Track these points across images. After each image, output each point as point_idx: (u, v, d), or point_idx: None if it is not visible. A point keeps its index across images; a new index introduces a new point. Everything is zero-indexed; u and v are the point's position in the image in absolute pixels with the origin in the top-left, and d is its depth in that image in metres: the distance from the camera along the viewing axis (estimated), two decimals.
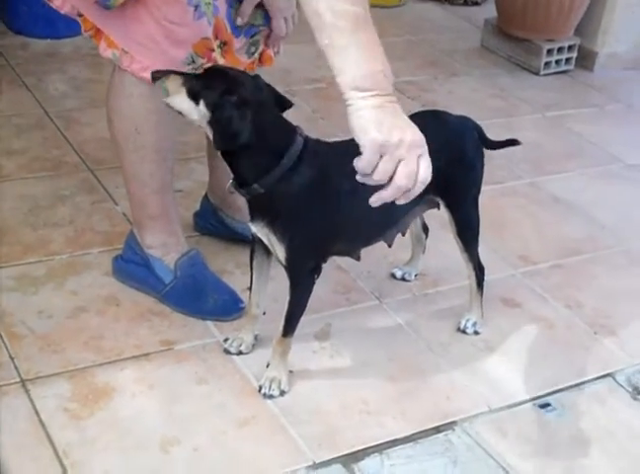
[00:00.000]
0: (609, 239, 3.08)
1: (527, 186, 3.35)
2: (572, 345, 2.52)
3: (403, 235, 2.46)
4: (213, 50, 2.17)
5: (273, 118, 2.02)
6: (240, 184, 2.06)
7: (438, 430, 2.17)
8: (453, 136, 2.30)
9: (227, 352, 2.32)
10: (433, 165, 1.96)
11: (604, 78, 4.54)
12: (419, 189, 1.74)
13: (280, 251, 2.09)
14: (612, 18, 4.53)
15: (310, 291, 2.17)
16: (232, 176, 2.08)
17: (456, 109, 3.73)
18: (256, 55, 2.35)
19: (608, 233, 3.11)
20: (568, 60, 4.54)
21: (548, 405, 2.29)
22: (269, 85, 2.06)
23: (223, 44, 2.21)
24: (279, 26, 2.32)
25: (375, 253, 2.60)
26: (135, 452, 2.00)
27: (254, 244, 2.22)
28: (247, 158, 2.00)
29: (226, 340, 2.34)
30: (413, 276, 2.68)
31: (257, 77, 2.07)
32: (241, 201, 2.63)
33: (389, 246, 2.40)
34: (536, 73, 4.48)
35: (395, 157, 1.69)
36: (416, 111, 3.83)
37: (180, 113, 2.02)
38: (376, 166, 1.69)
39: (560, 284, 2.78)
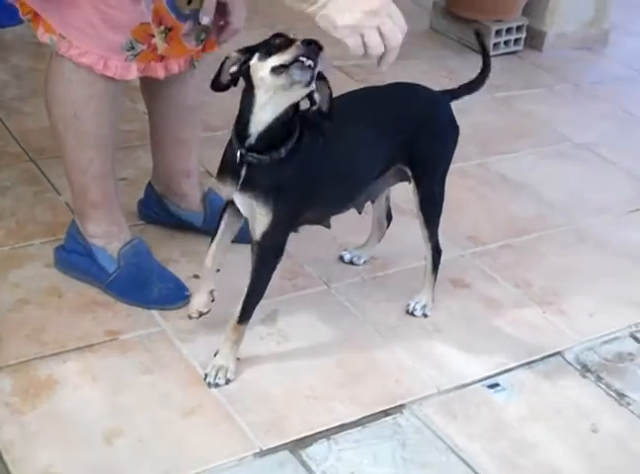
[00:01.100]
0: (558, 217, 3.08)
1: (476, 166, 3.34)
2: (521, 324, 2.52)
3: (372, 203, 2.47)
4: (153, 36, 2.13)
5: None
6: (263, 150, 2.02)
7: (386, 413, 2.15)
8: (427, 109, 2.33)
9: (190, 317, 2.29)
10: (402, 134, 2.19)
11: (553, 58, 4.55)
12: (394, 52, 1.88)
13: (261, 222, 2.06)
14: None
15: (271, 275, 2.16)
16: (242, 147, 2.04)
17: None
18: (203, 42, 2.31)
19: (557, 212, 3.12)
20: (517, 41, 4.54)
21: (497, 385, 2.28)
22: None
23: (169, 30, 2.18)
24: (238, 18, 2.28)
25: (323, 236, 2.59)
26: (79, 445, 1.96)
27: (225, 209, 2.20)
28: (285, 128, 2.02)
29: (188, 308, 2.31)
30: (362, 261, 2.66)
31: None
32: (185, 189, 2.61)
33: (359, 213, 2.41)
34: None
35: (372, 27, 1.82)
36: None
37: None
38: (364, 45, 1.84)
39: (509, 264, 2.78)
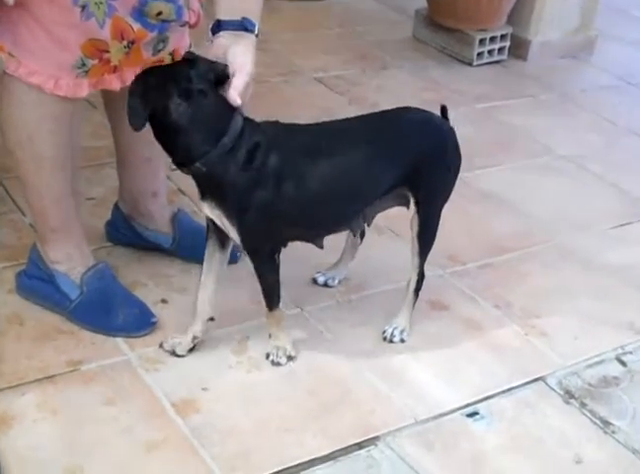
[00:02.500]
0: (540, 234, 2.99)
1: (457, 180, 3.24)
2: (501, 348, 2.42)
3: (368, 226, 2.41)
4: (106, 51, 2.04)
5: (203, 99, 1.97)
6: (179, 163, 2.04)
7: (360, 446, 2.06)
8: (437, 136, 2.27)
9: (161, 346, 2.25)
10: (409, 158, 2.16)
11: (538, 67, 4.47)
12: None
13: (233, 233, 2.05)
14: (545, 5, 4.46)
15: (276, 269, 2.17)
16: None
17: (385, 103, 3.65)
18: (164, 54, 2.21)
19: (539, 228, 3.02)
20: (501, 50, 4.47)
21: (477, 414, 2.19)
22: (203, 61, 2.00)
23: (131, 44, 2.09)
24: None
25: (296, 257, 2.48)
26: None
27: (208, 232, 2.19)
28: (181, 140, 1.98)
29: (165, 339, 2.27)
30: (336, 282, 2.57)
31: (189, 61, 2.01)
32: (153, 209, 2.52)
33: (354, 235, 2.39)
34: (469, 64, 4.40)
35: None
36: (344, 105, 3.76)
37: None
38: None
39: (489, 284, 2.68)
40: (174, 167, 2.07)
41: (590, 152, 3.62)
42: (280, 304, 2.23)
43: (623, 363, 2.42)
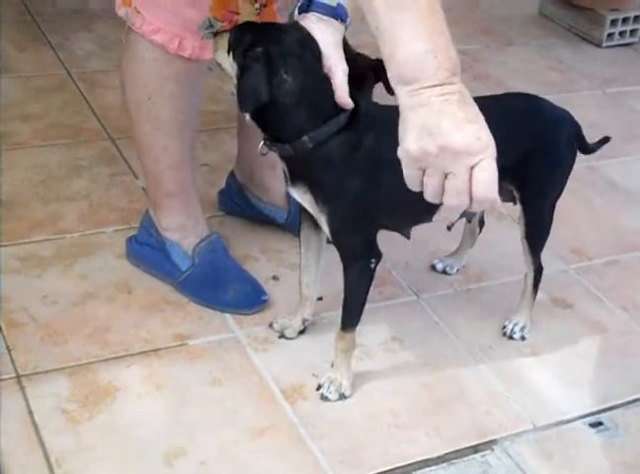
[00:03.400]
0: None
1: (584, 169, 3.06)
2: (628, 354, 2.27)
3: (469, 222, 2.28)
4: (236, 13, 1.94)
5: (316, 73, 1.75)
6: (277, 139, 1.81)
7: (475, 449, 1.94)
8: (546, 126, 2.05)
9: (270, 326, 2.15)
10: (513, 151, 1.88)
11: None
12: (482, 206, 1.39)
13: (323, 222, 1.87)
14: None
15: (368, 276, 1.92)
16: (264, 136, 1.85)
17: (510, 81, 3.51)
18: None
19: None
20: (633, 32, 4.23)
21: (600, 424, 2.05)
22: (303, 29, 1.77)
23: (263, 7, 2.00)
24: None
25: (414, 241, 2.36)
26: (135, 464, 1.79)
27: (302, 214, 2.01)
28: (287, 116, 1.76)
29: (275, 318, 2.17)
30: (455, 270, 2.44)
31: (300, 29, 1.77)
32: (269, 181, 2.43)
33: (448, 229, 2.23)
34: (598, 45, 4.18)
35: (437, 170, 1.33)
36: (467, 81, 3.60)
37: (223, 70, 1.83)
38: (423, 182, 1.35)
39: (616, 283, 2.52)
40: (265, 152, 1.86)
41: None
42: (357, 327, 1.99)
43: None
